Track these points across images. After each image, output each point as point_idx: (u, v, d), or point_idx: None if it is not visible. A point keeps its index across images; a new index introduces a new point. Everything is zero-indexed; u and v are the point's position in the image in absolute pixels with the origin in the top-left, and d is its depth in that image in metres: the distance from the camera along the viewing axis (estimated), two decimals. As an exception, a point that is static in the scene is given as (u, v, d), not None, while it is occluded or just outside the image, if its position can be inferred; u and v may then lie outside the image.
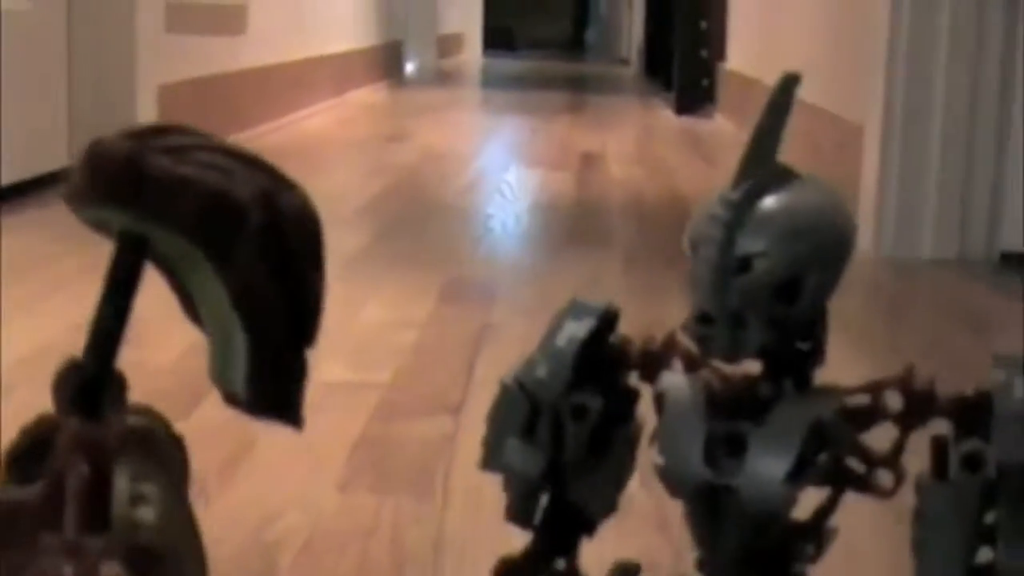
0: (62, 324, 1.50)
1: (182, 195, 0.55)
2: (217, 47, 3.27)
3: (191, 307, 0.62)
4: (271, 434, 1.13)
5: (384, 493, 1.03)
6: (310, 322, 0.59)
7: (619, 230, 2.29)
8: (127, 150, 0.56)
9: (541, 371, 0.58)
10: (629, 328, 1.55)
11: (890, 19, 2.18)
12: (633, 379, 0.60)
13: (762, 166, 0.55)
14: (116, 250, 0.58)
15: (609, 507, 0.60)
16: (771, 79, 2.91)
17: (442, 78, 6.77)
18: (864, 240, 2.16)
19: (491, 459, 0.60)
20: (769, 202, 0.55)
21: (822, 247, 0.55)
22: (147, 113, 2.66)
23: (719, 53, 4.74)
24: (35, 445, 0.60)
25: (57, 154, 2.54)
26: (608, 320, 0.60)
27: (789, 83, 0.55)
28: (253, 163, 0.58)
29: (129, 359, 1.38)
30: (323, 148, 3.37)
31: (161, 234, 0.57)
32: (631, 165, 3.22)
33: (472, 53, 9.48)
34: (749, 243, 0.54)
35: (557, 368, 0.58)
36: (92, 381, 0.58)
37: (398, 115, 4.46)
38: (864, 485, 0.55)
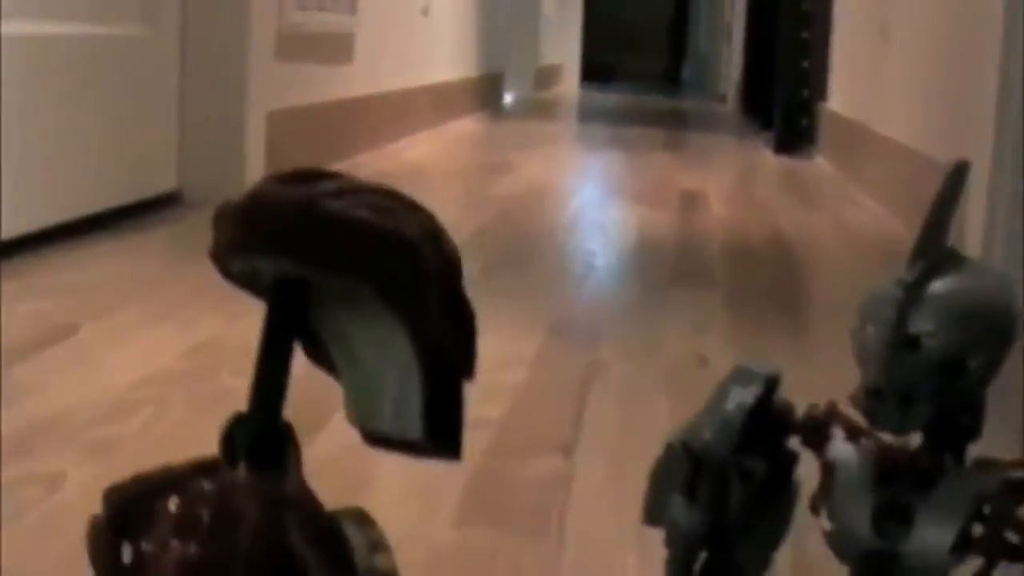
0: (174, 350, 1.52)
1: (359, 238, 0.56)
2: (324, 76, 3.31)
3: (318, 351, 0.62)
4: (385, 470, 1.14)
5: (500, 531, 1.04)
6: (471, 356, 0.60)
7: (722, 271, 2.28)
8: (300, 196, 0.56)
9: (708, 434, 0.59)
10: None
11: (1000, 65, 2.16)
12: (792, 442, 0.61)
13: (934, 250, 0.57)
14: (275, 297, 0.58)
15: (764, 565, 0.61)
16: (875, 122, 2.91)
17: (540, 110, 6.80)
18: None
19: (654, 514, 0.62)
20: (940, 285, 0.57)
21: (989, 330, 0.57)
22: (256, 139, 2.70)
23: (820, 93, 4.72)
24: (142, 498, 0.61)
25: (167, 178, 2.58)
26: (771, 385, 0.61)
27: (961, 170, 0.57)
28: (411, 205, 0.59)
29: (240, 388, 1.40)
30: (425, 178, 3.40)
31: (323, 278, 0.57)
32: (732, 205, 3.21)
33: (569, 85, 9.51)
34: (920, 323, 0.56)
35: (725, 432, 0.59)
36: (265, 433, 0.58)
37: (497, 146, 4.48)
38: (1020, 555, 0.55)
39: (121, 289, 1.82)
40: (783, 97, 4.80)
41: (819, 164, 4.44)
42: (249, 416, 0.59)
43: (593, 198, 3.24)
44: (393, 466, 1.15)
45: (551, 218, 2.82)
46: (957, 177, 0.58)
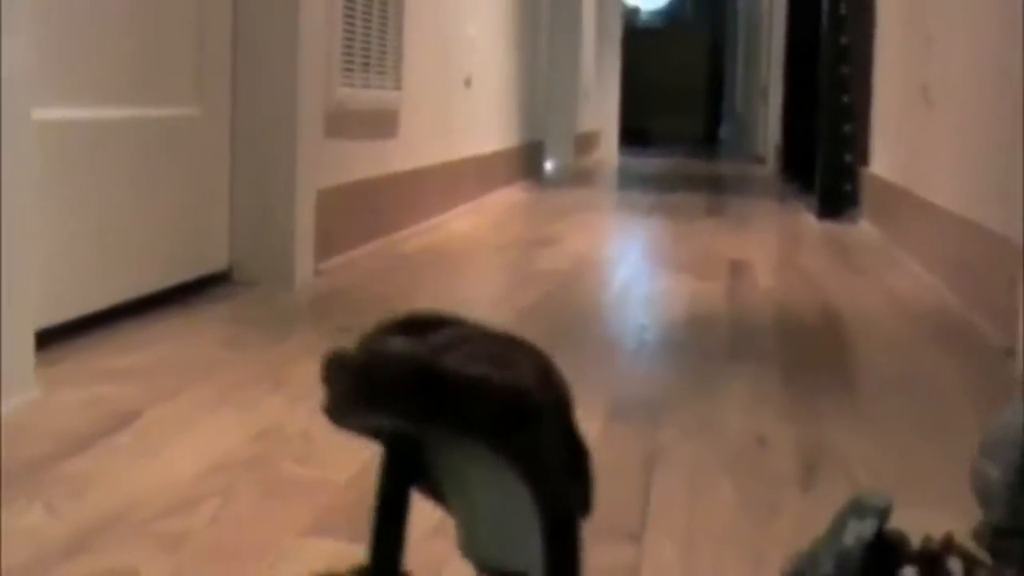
0: (237, 436, 1.53)
1: (477, 398, 0.56)
2: (370, 151, 3.33)
3: (431, 484, 0.62)
4: (457, 560, 1.14)
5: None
6: (588, 494, 0.60)
7: (774, 344, 2.28)
8: (419, 356, 0.56)
9: (827, 568, 0.59)
10: (795, 453, 1.54)
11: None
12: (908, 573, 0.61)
13: None
14: (392, 454, 0.59)
15: None
16: (919, 187, 2.91)
17: (580, 177, 6.82)
18: (1022, 359, 2.14)
19: None
20: None
21: None
22: (306, 217, 2.72)
23: (863, 157, 4.72)
24: None
25: (218, 257, 2.60)
26: (884, 516, 0.61)
27: None
28: (523, 347, 0.59)
29: (306, 476, 1.40)
30: (471, 253, 3.41)
31: (442, 435, 0.58)
32: (779, 274, 3.21)
33: (608, 150, 9.54)
34: None
35: (844, 567, 0.59)
36: None
37: (540, 217, 4.49)
38: None
39: (179, 373, 1.83)
40: (825, 161, 4.81)
41: (864, 229, 4.44)
42: (371, 570, 0.59)
43: (639, 269, 3.25)
44: (457, 558, 1.15)
45: (599, 291, 2.82)
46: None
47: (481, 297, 2.69)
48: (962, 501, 0.64)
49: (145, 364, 1.89)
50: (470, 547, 0.62)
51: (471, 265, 3.19)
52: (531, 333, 2.26)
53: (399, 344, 0.57)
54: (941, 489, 1.43)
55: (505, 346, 0.59)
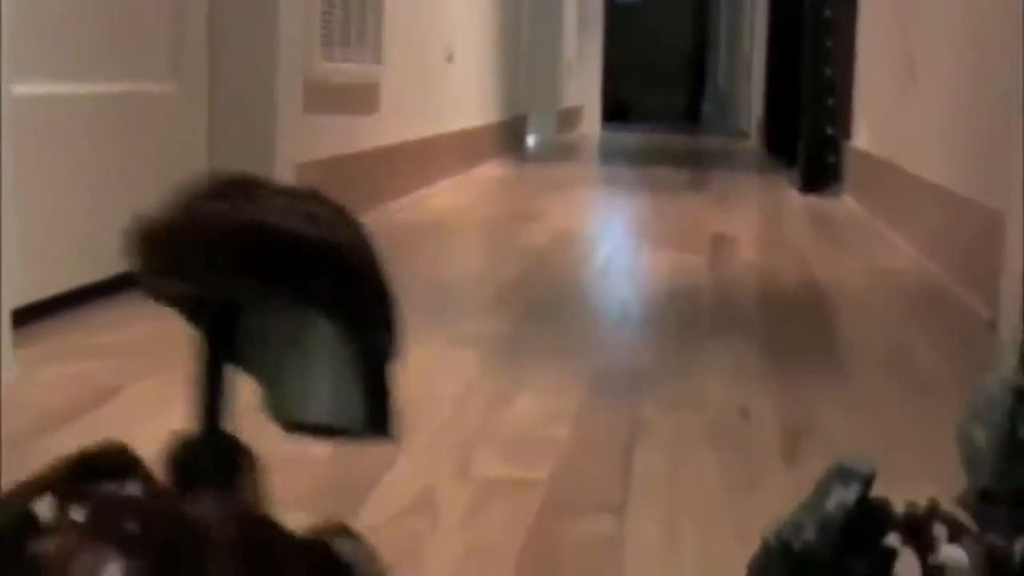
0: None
1: (299, 258, 0.57)
2: (351, 126, 3.32)
3: (228, 354, 0.62)
4: (437, 536, 1.14)
5: (556, 600, 1.03)
6: (397, 339, 0.61)
7: (757, 318, 2.27)
8: (237, 217, 0.56)
9: (810, 534, 0.58)
10: (778, 425, 1.54)
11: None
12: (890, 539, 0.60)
13: None
14: (211, 320, 0.59)
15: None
16: (902, 160, 2.90)
17: (562, 152, 6.81)
18: (1006, 333, 2.13)
19: None
20: None
21: None
22: (286, 193, 2.70)
23: (845, 131, 4.72)
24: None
25: (199, 233, 2.58)
26: (868, 482, 0.60)
27: None
28: (320, 198, 0.59)
29: (286, 452, 1.39)
30: (454, 227, 3.40)
31: (262, 299, 0.58)
32: (761, 248, 3.21)
33: (591, 126, 9.53)
34: None
35: (827, 532, 0.58)
36: (200, 450, 0.60)
37: (523, 191, 4.48)
38: None
39: (159, 349, 1.82)
40: (808, 135, 4.80)
41: (846, 203, 4.44)
42: (195, 438, 0.60)
43: (621, 243, 3.24)
44: (445, 530, 1.14)
45: (582, 266, 2.81)
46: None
47: (463, 271, 2.68)
48: (946, 473, 0.64)
49: (125, 341, 1.87)
50: (277, 408, 0.63)
51: (453, 240, 3.18)
52: (514, 306, 2.26)
53: (211, 206, 0.56)
54: (924, 461, 1.43)
55: (314, 203, 0.58)
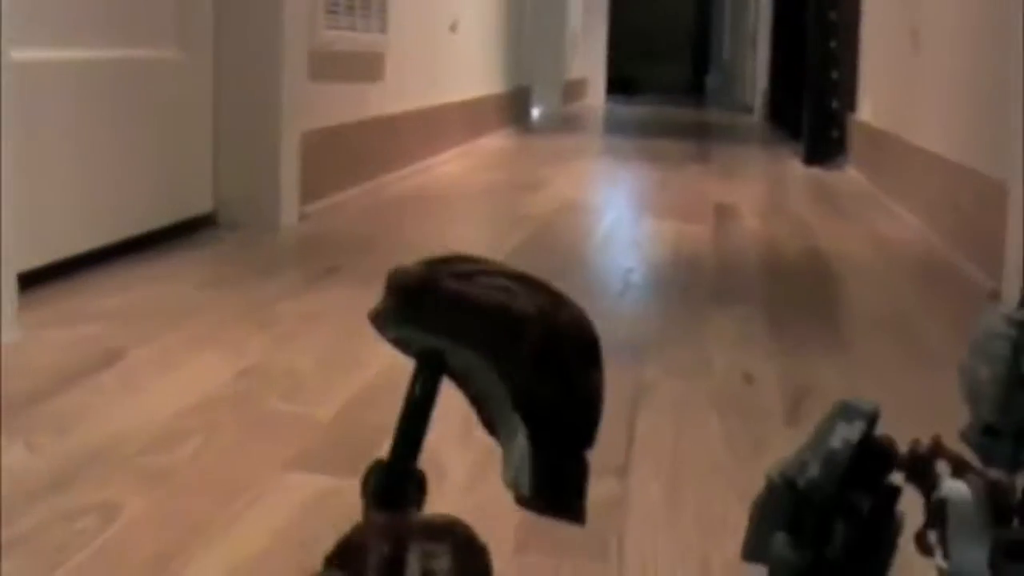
0: (222, 375, 1.52)
1: (470, 312, 0.61)
2: (356, 94, 3.31)
3: (486, 416, 0.67)
4: (440, 499, 1.14)
5: (560, 556, 1.04)
6: (588, 425, 0.63)
7: (760, 286, 2.27)
8: (421, 275, 0.62)
9: (814, 471, 0.59)
10: (781, 389, 1.54)
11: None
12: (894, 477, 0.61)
13: None
14: (416, 366, 0.64)
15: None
16: (907, 132, 2.89)
17: (567, 123, 6.80)
18: (1009, 299, 2.13)
19: (757, 551, 0.62)
20: None
21: None
22: (290, 160, 2.70)
23: (850, 104, 4.71)
24: (350, 549, 0.67)
25: (202, 200, 2.58)
26: (873, 420, 0.60)
27: None
28: (531, 284, 0.63)
29: (290, 413, 1.40)
30: (458, 196, 3.40)
31: (454, 349, 0.62)
32: (765, 218, 3.21)
33: (595, 98, 9.52)
34: None
35: (831, 469, 0.59)
36: (395, 479, 0.64)
37: (528, 162, 4.48)
38: None
39: (165, 313, 1.83)
40: (812, 108, 4.79)
41: (850, 175, 4.43)
42: (385, 463, 0.64)
43: (626, 213, 3.24)
44: (449, 493, 1.15)
45: (586, 235, 2.82)
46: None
47: (467, 240, 2.68)
48: (950, 433, 0.64)
49: (129, 305, 1.88)
50: (503, 474, 0.66)
51: (457, 209, 3.18)
52: (517, 275, 2.26)
53: (414, 268, 0.62)
54: (927, 425, 1.43)
55: (518, 283, 0.63)
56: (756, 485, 1.20)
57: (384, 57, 3.54)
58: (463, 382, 0.66)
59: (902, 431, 1.36)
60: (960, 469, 0.57)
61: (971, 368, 0.57)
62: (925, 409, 1.51)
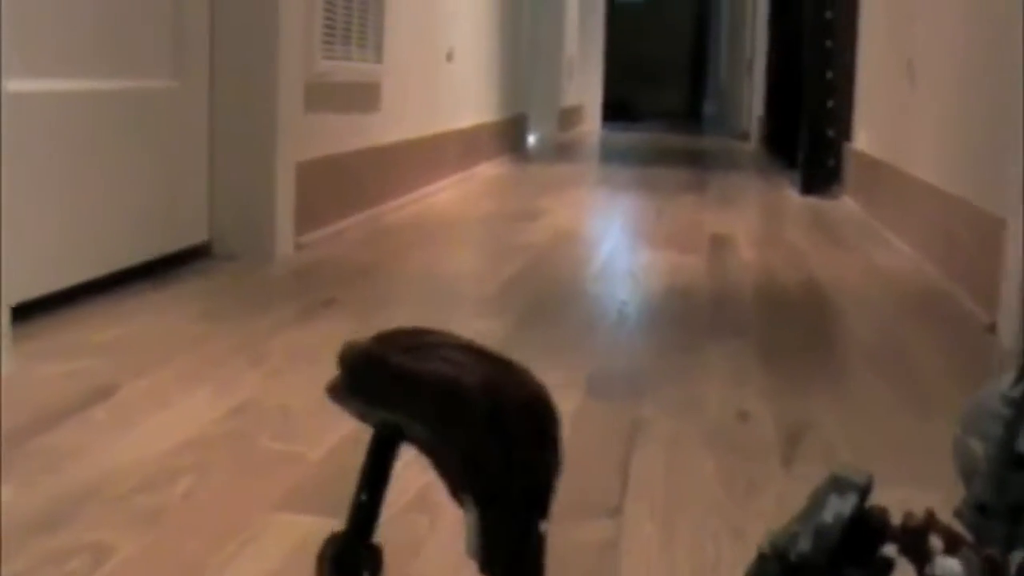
0: (214, 412, 1.52)
1: (416, 387, 0.63)
2: (352, 124, 3.31)
3: (449, 485, 0.68)
4: (437, 538, 1.13)
5: (552, 603, 1.03)
6: (537, 496, 0.64)
7: (755, 319, 2.27)
8: (368, 351, 0.64)
9: (806, 545, 0.58)
10: (776, 428, 1.54)
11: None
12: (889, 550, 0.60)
13: None
14: (373, 438, 0.66)
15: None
16: (902, 162, 2.88)
17: (563, 151, 6.80)
18: (1006, 338, 2.13)
19: None
20: None
21: None
22: (286, 190, 2.70)
23: (845, 133, 4.71)
24: None
25: (197, 230, 2.58)
26: (865, 492, 0.60)
27: None
28: (482, 355, 0.63)
29: (282, 452, 1.39)
30: (453, 226, 3.40)
31: (408, 422, 0.64)
32: (761, 249, 3.20)
33: (591, 124, 9.53)
34: None
35: (822, 544, 0.58)
36: (349, 551, 0.65)
37: (523, 190, 4.48)
38: None
39: (157, 346, 1.82)
40: (808, 137, 4.80)
41: (846, 204, 4.43)
42: (341, 536, 0.66)
43: (621, 243, 3.24)
44: (442, 532, 1.14)
45: (581, 266, 2.81)
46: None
47: (462, 271, 2.67)
48: (944, 478, 0.64)
49: (122, 338, 1.87)
50: (466, 545, 0.68)
51: (453, 239, 3.18)
52: (512, 306, 2.25)
53: (364, 343, 0.65)
54: (923, 465, 1.43)
55: (469, 356, 0.64)
56: (751, 526, 1.20)
57: (380, 87, 3.54)
58: (424, 452, 0.67)
59: (898, 473, 1.36)
60: (954, 545, 0.57)
61: (965, 445, 0.57)
62: (922, 451, 1.50)
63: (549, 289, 2.47)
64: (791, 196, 4.72)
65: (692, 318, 2.26)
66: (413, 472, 1.32)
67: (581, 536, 1.17)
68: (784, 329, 2.20)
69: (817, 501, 0.60)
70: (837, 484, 0.60)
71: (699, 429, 1.53)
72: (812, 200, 4.59)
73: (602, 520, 1.21)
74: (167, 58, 2.42)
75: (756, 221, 3.88)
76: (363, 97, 3.41)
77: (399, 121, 3.77)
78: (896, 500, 1.22)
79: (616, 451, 1.43)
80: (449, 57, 4.49)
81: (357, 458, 1.36)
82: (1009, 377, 0.57)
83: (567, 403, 1.62)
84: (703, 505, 1.27)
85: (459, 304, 2.29)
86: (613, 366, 1.86)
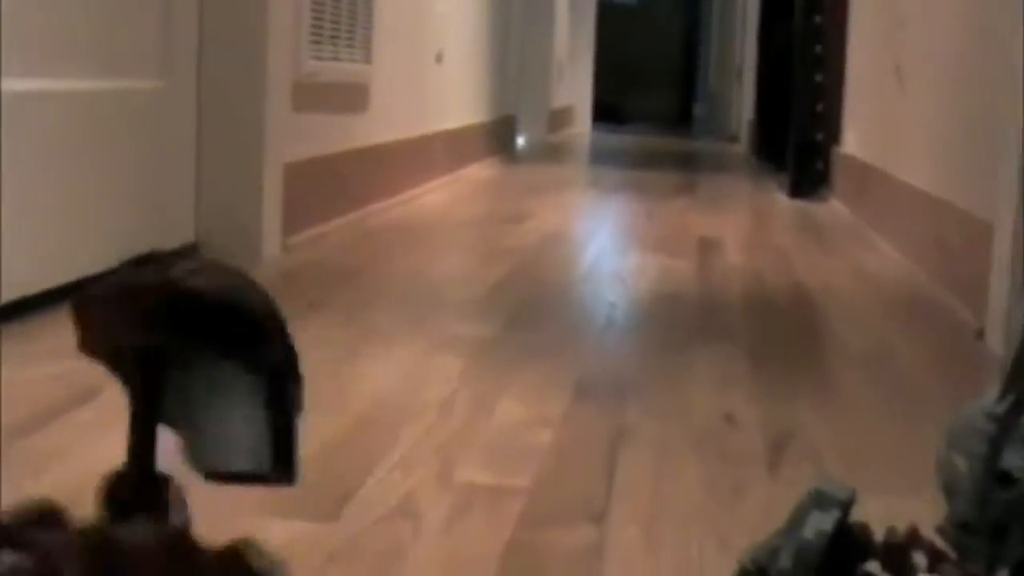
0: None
1: (231, 314, 0.65)
2: (340, 125, 3.31)
3: (159, 408, 0.70)
4: (417, 545, 1.13)
5: (535, 610, 1.02)
6: (301, 392, 0.69)
7: (743, 323, 2.27)
8: (172, 279, 0.65)
9: (786, 561, 0.58)
10: (763, 433, 1.53)
11: (1023, 112, 2.15)
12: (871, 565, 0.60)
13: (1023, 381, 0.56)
14: (144, 368, 0.67)
15: None
16: (891, 166, 2.89)
17: (553, 153, 6.80)
18: (994, 343, 2.13)
19: None
20: None
21: None
22: (273, 190, 2.70)
23: (834, 136, 4.72)
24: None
25: (185, 230, 2.57)
26: (847, 507, 0.59)
27: None
28: (243, 276, 0.68)
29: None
30: (442, 228, 3.39)
31: (185, 347, 0.66)
32: (750, 252, 3.20)
33: (581, 127, 9.53)
34: (1012, 457, 0.54)
35: (803, 561, 0.57)
36: (144, 485, 0.68)
37: (512, 192, 4.47)
38: None
39: (142, 349, 1.81)
40: (797, 141, 4.80)
41: (834, 208, 4.44)
42: (127, 472, 0.68)
43: (609, 246, 3.23)
44: (426, 537, 1.14)
45: (569, 268, 2.81)
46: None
47: (450, 273, 2.67)
48: (930, 485, 0.63)
49: (108, 339, 1.86)
50: (196, 458, 0.70)
51: (441, 241, 3.17)
52: (500, 309, 2.25)
53: (146, 273, 0.66)
54: (910, 472, 1.43)
55: (232, 276, 0.67)
56: (735, 531, 1.20)
57: (369, 87, 3.54)
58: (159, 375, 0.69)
59: (885, 479, 1.35)
60: (936, 561, 0.56)
61: (949, 462, 0.56)
62: (909, 457, 1.50)
63: (537, 292, 2.47)
64: (780, 199, 4.73)
65: (680, 322, 2.26)
66: (395, 478, 1.31)
67: (565, 541, 1.16)
68: (772, 334, 2.20)
69: (798, 517, 0.59)
70: (819, 499, 0.59)
71: (685, 433, 1.53)
72: (800, 203, 4.59)
73: (586, 526, 1.20)
74: (154, 58, 2.41)
75: (745, 224, 3.88)
76: (351, 98, 3.40)
77: (388, 122, 3.77)
78: (882, 507, 1.22)
79: (602, 455, 1.42)
80: (438, 58, 4.48)
81: (343, 460, 1.36)
82: (994, 392, 0.57)
83: (554, 406, 1.61)
84: (688, 510, 1.26)
85: (445, 307, 2.28)
86: (600, 370, 1.85)
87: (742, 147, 8.20)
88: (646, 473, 1.38)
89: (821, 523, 0.57)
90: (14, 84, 1.92)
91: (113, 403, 1.53)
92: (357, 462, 1.34)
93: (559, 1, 8.09)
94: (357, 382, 1.69)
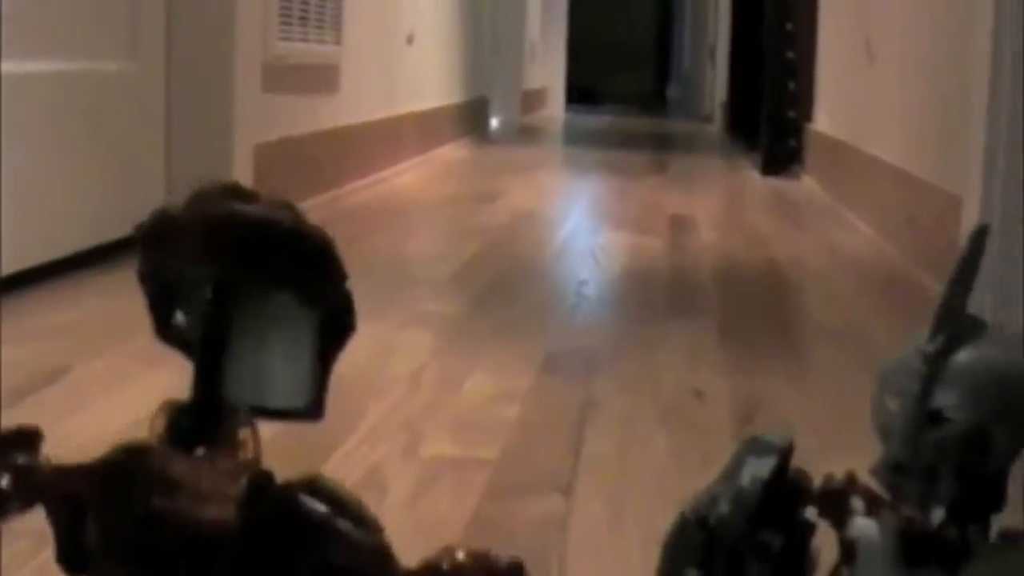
0: (171, 391, 1.50)
1: (288, 243, 0.66)
2: (310, 106, 3.30)
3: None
4: (385, 512, 1.13)
5: (500, 579, 1.02)
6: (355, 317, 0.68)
7: (713, 298, 2.27)
8: (226, 208, 0.65)
9: (724, 508, 0.58)
10: (731, 405, 1.54)
11: (990, 85, 2.15)
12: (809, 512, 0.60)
13: (956, 319, 0.56)
14: (216, 299, 0.65)
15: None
16: (862, 142, 2.89)
17: (526, 134, 6.80)
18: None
19: None
20: (964, 356, 0.57)
21: (1015, 400, 0.55)
22: (243, 172, 2.69)
23: (806, 114, 4.72)
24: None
25: (155, 213, 2.56)
26: (786, 455, 0.60)
27: (980, 236, 0.56)
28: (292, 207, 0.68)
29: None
30: (414, 207, 3.39)
31: (253, 278, 0.66)
32: (721, 229, 3.21)
33: (555, 108, 9.52)
34: (944, 397, 0.55)
35: (741, 507, 0.58)
36: (213, 415, 0.66)
37: (485, 173, 4.47)
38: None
39: (111, 329, 1.81)
40: (769, 118, 4.81)
41: (807, 185, 4.45)
42: (195, 402, 0.65)
43: (581, 225, 3.24)
44: (391, 508, 1.14)
45: (540, 246, 2.81)
46: (977, 242, 0.57)
47: (421, 252, 2.67)
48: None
49: (76, 321, 1.86)
50: (244, 394, 0.68)
51: (413, 220, 3.17)
52: (470, 286, 2.25)
53: (220, 204, 0.65)
54: (877, 443, 1.43)
55: (292, 210, 0.68)
56: (702, 502, 1.20)
57: (339, 68, 3.53)
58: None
59: (854, 449, 1.36)
60: (874, 505, 0.57)
61: (881, 403, 0.57)
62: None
63: (508, 270, 2.47)
64: (752, 177, 4.73)
65: (651, 298, 2.26)
66: (362, 452, 1.31)
67: (531, 512, 1.17)
68: (742, 309, 2.21)
69: (736, 464, 0.59)
70: (755, 446, 0.60)
71: (653, 406, 1.53)
72: (773, 181, 4.59)
73: (553, 497, 1.21)
74: (122, 40, 2.40)
75: (717, 202, 3.89)
76: (322, 79, 3.39)
77: (358, 103, 3.76)
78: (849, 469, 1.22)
79: (569, 428, 1.43)
80: (409, 40, 4.47)
81: (312, 435, 1.36)
82: (925, 331, 0.57)
83: (522, 380, 1.61)
84: (655, 482, 1.27)
85: (416, 285, 2.28)
86: (570, 345, 1.86)
87: (716, 127, 8.21)
88: (613, 445, 1.38)
89: (757, 469, 0.58)
90: (-21, 65, 1.91)
91: (80, 384, 1.53)
92: (324, 436, 1.34)
93: (531, -18, 8.07)
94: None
